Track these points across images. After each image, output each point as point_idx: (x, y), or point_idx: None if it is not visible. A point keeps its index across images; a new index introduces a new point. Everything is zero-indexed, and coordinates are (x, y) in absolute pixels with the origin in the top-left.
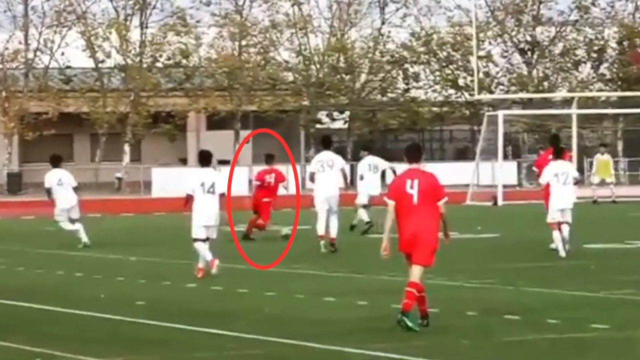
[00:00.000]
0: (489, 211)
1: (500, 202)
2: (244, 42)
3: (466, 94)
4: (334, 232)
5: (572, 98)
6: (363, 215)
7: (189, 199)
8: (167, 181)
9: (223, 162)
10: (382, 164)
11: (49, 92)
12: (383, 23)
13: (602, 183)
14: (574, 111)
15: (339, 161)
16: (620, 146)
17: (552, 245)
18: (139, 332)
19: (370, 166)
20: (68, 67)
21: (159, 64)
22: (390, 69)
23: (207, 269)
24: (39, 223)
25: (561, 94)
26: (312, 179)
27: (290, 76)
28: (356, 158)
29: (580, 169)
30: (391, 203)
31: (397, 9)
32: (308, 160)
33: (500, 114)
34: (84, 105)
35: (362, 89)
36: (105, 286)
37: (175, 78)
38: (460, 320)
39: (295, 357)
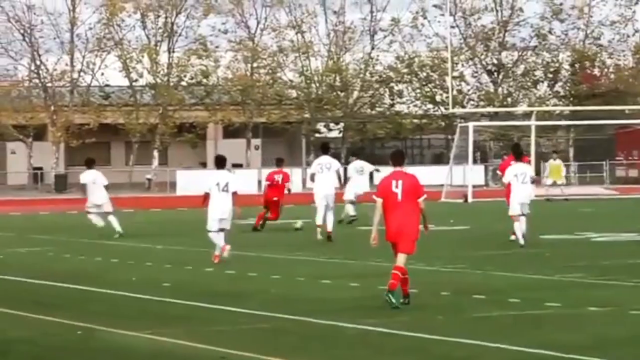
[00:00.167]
0: (461, 207)
1: (470, 199)
2: (255, 64)
3: (442, 108)
4: (330, 226)
5: (532, 112)
6: (350, 209)
7: (206, 196)
8: (190, 182)
9: (236, 166)
10: (368, 167)
11: (91, 107)
12: (373, 48)
13: (554, 184)
14: (532, 123)
15: (335, 164)
16: (571, 152)
17: (512, 237)
18: (166, 309)
19: (357, 168)
20: (107, 85)
21: (183, 83)
22: (378, 87)
23: (221, 256)
24: (82, 217)
25: (522, 108)
26: (312, 179)
27: (294, 93)
28: (349, 162)
29: (537, 172)
30: (379, 200)
31: (385, 37)
32: (309, 164)
33: (471, 125)
34: (120, 118)
35: (355, 104)
36: (137, 270)
37: (197, 94)
38: (436, 299)
39: (297, 330)
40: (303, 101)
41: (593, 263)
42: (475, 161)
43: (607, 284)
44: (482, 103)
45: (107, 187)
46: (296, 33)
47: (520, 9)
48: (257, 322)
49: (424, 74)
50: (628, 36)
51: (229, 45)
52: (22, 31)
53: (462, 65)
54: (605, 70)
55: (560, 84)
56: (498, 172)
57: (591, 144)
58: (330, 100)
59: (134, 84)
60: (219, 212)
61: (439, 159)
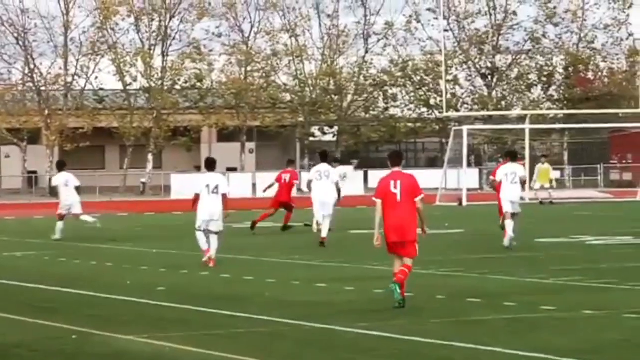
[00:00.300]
0: (455, 211)
1: (464, 203)
2: (249, 68)
3: (436, 112)
4: (325, 232)
5: (526, 115)
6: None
7: (196, 198)
8: (184, 185)
9: (231, 169)
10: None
11: (85, 110)
12: (367, 52)
13: (542, 188)
14: (527, 126)
15: (334, 173)
16: (566, 156)
17: (505, 243)
18: (161, 313)
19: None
20: (101, 89)
21: (177, 87)
22: (372, 90)
23: (216, 258)
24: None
25: (516, 112)
26: (308, 187)
27: (288, 97)
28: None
29: (531, 175)
30: (378, 201)
31: (379, 40)
32: (303, 167)
33: (465, 128)
34: (115, 121)
35: (349, 107)
36: (132, 274)
37: (191, 98)
38: (431, 303)
39: (293, 334)
40: (297, 105)
41: (588, 266)
42: (469, 165)
43: (602, 288)
44: (476, 107)
45: (78, 189)
46: (290, 37)
47: (514, 13)
48: (252, 326)
49: (418, 77)
50: (622, 40)
51: (222, 49)
52: (15, 35)
53: (456, 69)
54: (599, 73)
55: (554, 87)
56: (491, 177)
57: (585, 147)
58: (324, 104)
59: (128, 87)
60: (208, 214)
61: (434, 162)
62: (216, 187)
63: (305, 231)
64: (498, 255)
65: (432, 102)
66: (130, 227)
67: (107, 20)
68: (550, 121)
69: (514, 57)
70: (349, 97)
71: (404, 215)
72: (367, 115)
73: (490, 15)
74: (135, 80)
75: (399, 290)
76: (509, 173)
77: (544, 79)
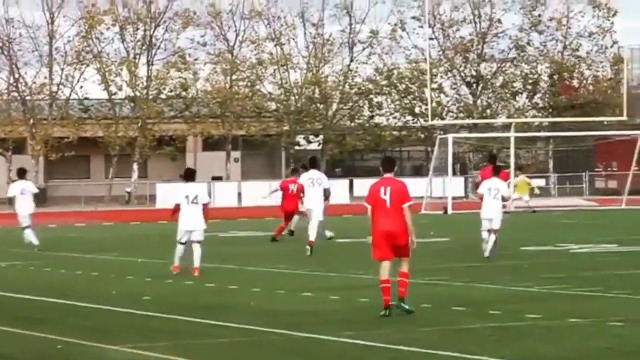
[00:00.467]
0: (441, 219)
1: (450, 211)
2: (234, 77)
3: (421, 120)
4: (312, 236)
5: (511, 123)
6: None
7: (175, 209)
8: (169, 195)
9: (216, 178)
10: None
11: (70, 120)
12: (352, 60)
13: (519, 199)
14: (512, 134)
15: (325, 180)
16: (551, 164)
17: (486, 254)
18: (147, 323)
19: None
20: (86, 98)
21: (162, 96)
22: (357, 99)
23: (200, 267)
24: (62, 230)
25: (501, 119)
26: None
27: (273, 105)
28: (328, 174)
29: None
30: (369, 207)
31: (364, 49)
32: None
33: (450, 137)
34: (100, 131)
35: (334, 116)
36: (117, 284)
37: (177, 107)
38: (417, 311)
39: (278, 343)
40: (282, 113)
41: (573, 274)
42: (454, 173)
43: (587, 295)
44: (461, 115)
45: (37, 196)
46: (275, 45)
47: (499, 21)
48: (237, 336)
49: (403, 85)
50: (606, 47)
51: (207, 58)
52: (0, 44)
53: (441, 77)
54: (584, 81)
55: (539, 95)
56: (479, 176)
57: (570, 155)
58: (309, 113)
59: (113, 97)
60: (188, 224)
61: (419, 170)
62: (195, 197)
63: (291, 240)
64: (483, 263)
65: (417, 110)
66: (115, 236)
67: (91, 30)
68: (535, 129)
69: (498, 65)
70: (334, 106)
71: (394, 221)
72: (352, 124)
73: (475, 23)
74: (120, 89)
75: (407, 307)
76: (492, 188)
77: (529, 87)
